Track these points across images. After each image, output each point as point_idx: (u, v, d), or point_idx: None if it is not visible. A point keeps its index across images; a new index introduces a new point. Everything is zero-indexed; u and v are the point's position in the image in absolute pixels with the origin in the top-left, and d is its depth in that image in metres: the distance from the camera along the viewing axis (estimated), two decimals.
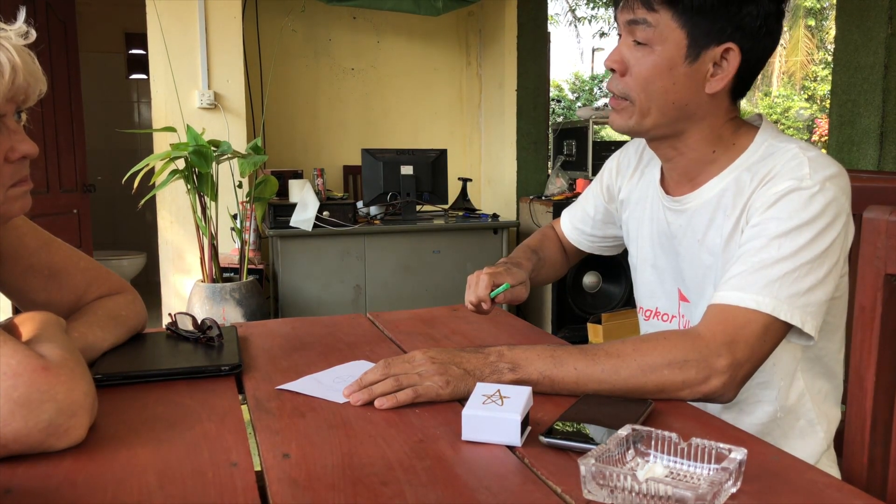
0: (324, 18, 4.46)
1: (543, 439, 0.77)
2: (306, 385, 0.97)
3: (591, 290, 4.13)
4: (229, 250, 3.57)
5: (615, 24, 1.12)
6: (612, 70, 1.08)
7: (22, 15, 0.90)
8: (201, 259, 3.16)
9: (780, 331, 0.97)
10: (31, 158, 0.91)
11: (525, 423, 0.80)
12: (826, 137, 3.23)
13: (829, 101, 3.07)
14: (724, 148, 1.11)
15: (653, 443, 0.71)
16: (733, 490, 0.66)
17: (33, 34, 0.89)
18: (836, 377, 1.16)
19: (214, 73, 3.68)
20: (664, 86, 1.05)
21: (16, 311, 1.05)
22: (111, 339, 1.07)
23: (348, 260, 3.57)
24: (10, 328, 0.84)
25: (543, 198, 4.18)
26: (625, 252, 1.39)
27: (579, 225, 1.43)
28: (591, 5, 14.63)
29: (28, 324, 0.85)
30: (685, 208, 1.15)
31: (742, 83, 1.08)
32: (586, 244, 1.44)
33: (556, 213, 3.96)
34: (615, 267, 4.07)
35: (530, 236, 1.47)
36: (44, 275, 1.07)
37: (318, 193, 3.62)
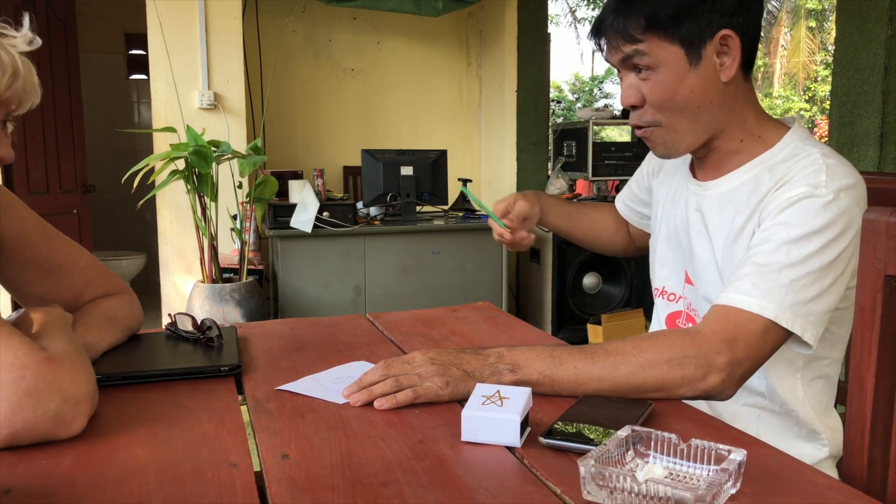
0: (324, 19, 4.46)
1: (543, 440, 0.77)
2: (306, 386, 0.97)
3: (591, 291, 4.12)
4: (229, 251, 3.57)
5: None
6: (633, 107, 1.10)
7: (27, 21, 0.90)
8: (201, 259, 3.16)
9: (780, 335, 0.97)
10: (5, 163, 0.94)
11: (525, 423, 0.80)
12: (826, 138, 3.23)
13: (828, 103, 3.07)
14: (750, 138, 1.12)
15: (652, 444, 0.71)
16: (733, 491, 0.66)
17: (38, 41, 0.90)
18: (834, 387, 1.16)
19: (214, 73, 3.68)
20: (684, 96, 1.06)
21: (14, 303, 1.06)
22: (108, 339, 1.07)
23: (348, 260, 3.56)
24: (22, 321, 0.87)
25: None
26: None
27: (626, 200, 1.47)
28: (592, 6, 14.63)
29: (37, 316, 0.88)
30: (702, 193, 1.16)
31: (748, 57, 1.09)
32: (635, 219, 1.47)
33: None
34: (615, 268, 4.07)
35: None
36: (43, 269, 1.07)
37: (317, 194, 3.61)
